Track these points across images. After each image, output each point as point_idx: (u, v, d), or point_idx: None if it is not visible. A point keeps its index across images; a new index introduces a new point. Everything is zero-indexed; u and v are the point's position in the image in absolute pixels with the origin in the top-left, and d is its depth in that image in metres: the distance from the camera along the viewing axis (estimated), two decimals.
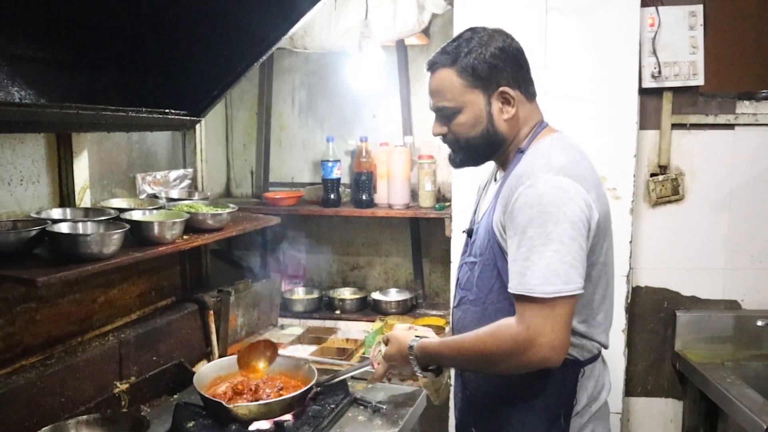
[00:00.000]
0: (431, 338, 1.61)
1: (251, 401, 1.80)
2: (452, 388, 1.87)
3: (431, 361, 1.58)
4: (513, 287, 1.38)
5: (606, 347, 1.57)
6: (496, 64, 1.47)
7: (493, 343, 1.39)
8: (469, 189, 2.57)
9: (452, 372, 1.83)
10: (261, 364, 1.98)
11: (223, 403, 1.72)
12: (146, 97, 1.87)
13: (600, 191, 1.46)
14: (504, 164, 1.58)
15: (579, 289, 1.35)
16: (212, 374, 1.96)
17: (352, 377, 1.98)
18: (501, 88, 1.48)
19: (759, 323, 2.53)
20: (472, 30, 1.52)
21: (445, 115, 1.53)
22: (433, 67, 1.53)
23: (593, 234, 1.41)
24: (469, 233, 1.64)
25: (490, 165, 1.68)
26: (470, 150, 1.55)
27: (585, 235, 1.38)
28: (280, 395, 1.82)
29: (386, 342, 1.70)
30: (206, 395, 1.77)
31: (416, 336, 1.62)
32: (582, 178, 1.40)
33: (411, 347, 1.59)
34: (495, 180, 1.63)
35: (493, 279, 1.49)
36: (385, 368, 1.70)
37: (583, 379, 1.50)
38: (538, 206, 1.35)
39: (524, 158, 1.48)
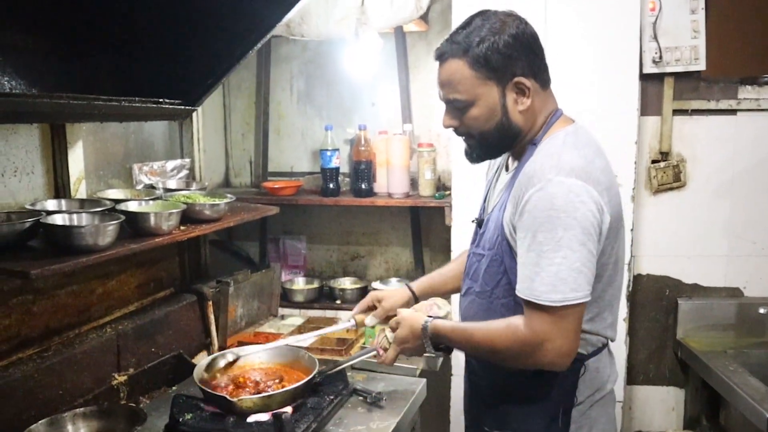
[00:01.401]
0: (442, 321, 1.60)
1: (253, 394, 1.78)
2: (453, 378, 1.87)
3: (441, 342, 1.58)
4: (521, 291, 1.36)
5: (613, 340, 1.56)
6: (510, 54, 1.39)
7: (501, 342, 1.39)
8: (470, 178, 2.56)
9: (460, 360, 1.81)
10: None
11: (227, 396, 1.70)
12: (140, 87, 1.85)
13: (613, 192, 1.42)
14: (517, 155, 1.53)
15: (586, 297, 1.33)
16: (213, 366, 1.95)
17: (353, 367, 1.96)
18: (516, 79, 1.41)
19: (761, 311, 2.52)
20: (483, 16, 1.43)
21: (456, 108, 1.46)
22: (442, 57, 1.45)
23: (604, 237, 1.38)
24: (479, 223, 1.61)
25: None
26: (485, 144, 1.49)
27: (596, 240, 1.34)
28: (282, 387, 1.81)
29: (395, 326, 1.68)
30: (208, 390, 1.76)
31: (429, 316, 1.61)
32: (595, 181, 1.35)
33: (425, 327, 1.56)
34: (506, 170, 1.58)
35: (500, 275, 1.47)
36: (396, 351, 1.67)
37: (588, 372, 1.49)
38: (549, 210, 1.31)
39: (535, 155, 1.42)
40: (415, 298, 1.90)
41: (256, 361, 1.99)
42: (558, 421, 1.48)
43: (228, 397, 1.70)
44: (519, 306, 1.40)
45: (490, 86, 1.41)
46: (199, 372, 1.85)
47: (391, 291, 1.94)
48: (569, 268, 1.30)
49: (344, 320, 2.74)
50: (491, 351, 1.43)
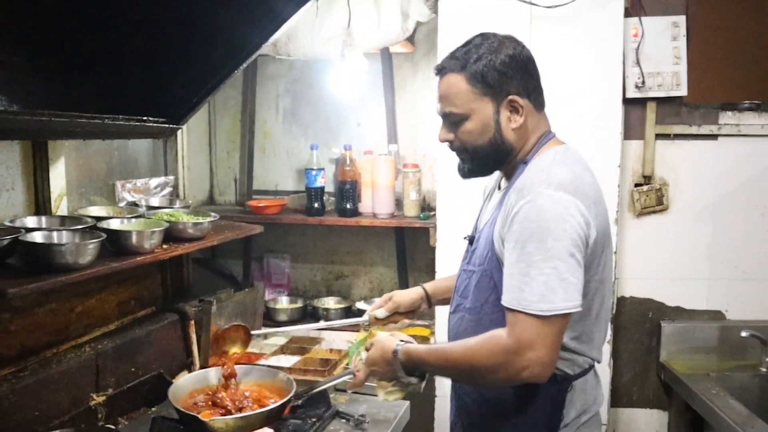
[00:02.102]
0: (416, 345, 1.58)
1: (228, 414, 1.76)
2: (437, 399, 1.85)
3: (415, 367, 1.55)
4: (507, 301, 1.36)
5: (599, 362, 1.56)
6: (505, 72, 1.45)
7: (482, 354, 1.37)
8: (455, 198, 2.57)
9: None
10: (235, 348, 1.92)
11: (199, 416, 1.68)
12: (124, 104, 1.84)
13: (600, 208, 1.45)
14: (509, 174, 1.56)
15: (576, 307, 1.34)
16: (189, 386, 1.92)
17: (336, 389, 1.94)
18: (510, 97, 1.46)
19: (743, 334, 2.53)
20: (483, 36, 1.50)
21: (452, 122, 1.51)
22: (442, 71, 1.51)
23: (590, 251, 1.40)
24: (471, 240, 1.62)
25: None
26: (478, 159, 1.53)
27: (583, 252, 1.37)
28: (258, 407, 1.79)
29: (368, 348, 1.67)
30: (181, 408, 1.73)
31: (401, 341, 1.58)
32: (583, 195, 1.38)
33: (395, 351, 1.55)
34: (499, 188, 1.61)
35: (489, 290, 1.48)
36: (366, 373, 1.65)
37: (573, 393, 1.49)
38: (538, 221, 1.34)
39: (526, 171, 1.46)
40: (428, 297, 1.91)
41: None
42: None
43: (200, 417, 1.67)
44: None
45: (485, 102, 1.46)
46: (175, 390, 1.82)
47: (404, 289, 1.96)
48: (558, 278, 1.32)
49: (329, 340, 2.76)
50: (470, 367, 1.41)
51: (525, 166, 1.48)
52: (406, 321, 1.67)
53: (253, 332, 1.92)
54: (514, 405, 1.49)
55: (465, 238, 1.67)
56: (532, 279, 1.32)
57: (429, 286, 1.94)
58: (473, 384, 1.54)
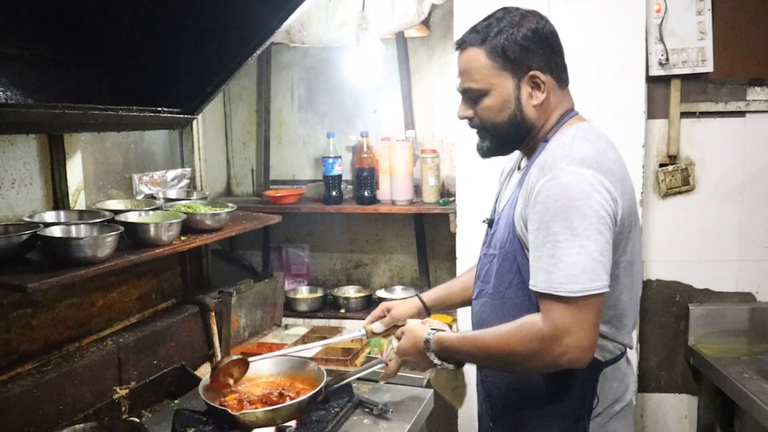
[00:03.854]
0: (449, 332, 1.54)
1: (259, 407, 1.74)
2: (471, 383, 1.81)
3: (448, 356, 1.51)
4: (538, 285, 1.31)
5: (630, 347, 1.51)
6: (527, 46, 1.39)
7: (517, 341, 1.32)
8: (474, 184, 2.53)
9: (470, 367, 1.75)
10: (230, 381, 1.89)
11: (229, 411, 1.67)
12: (138, 96, 1.82)
13: (626, 185, 1.39)
14: (529, 152, 1.50)
15: (605, 287, 1.29)
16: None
17: (359, 378, 1.92)
18: (531, 72, 1.41)
19: None
20: (505, 9, 1.45)
21: (471, 98, 1.46)
22: (461, 45, 1.45)
23: (618, 230, 1.34)
24: (490, 223, 1.57)
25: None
26: (497, 136, 1.47)
27: (611, 230, 1.31)
28: (288, 399, 1.77)
29: (400, 337, 1.63)
30: (212, 403, 1.72)
31: (432, 329, 1.54)
32: (608, 171, 1.33)
33: (428, 341, 1.51)
34: (519, 168, 1.55)
35: (512, 273, 1.43)
36: (398, 364, 1.62)
37: (606, 380, 1.45)
38: (563, 199, 1.28)
39: (547, 148, 1.40)
40: (426, 309, 1.86)
41: (264, 373, 1.95)
42: (574, 429, 1.44)
43: (230, 411, 1.66)
44: (533, 305, 1.36)
45: (505, 77, 1.41)
46: (204, 384, 1.82)
47: (401, 301, 1.90)
48: (588, 257, 1.26)
49: (350, 330, 2.74)
50: (506, 354, 1.36)
51: (546, 144, 1.43)
52: (438, 322, 1.63)
53: (250, 359, 1.91)
54: (542, 393, 1.45)
55: (484, 221, 1.62)
56: (559, 260, 1.27)
57: (426, 296, 1.88)
58: (510, 371, 1.49)
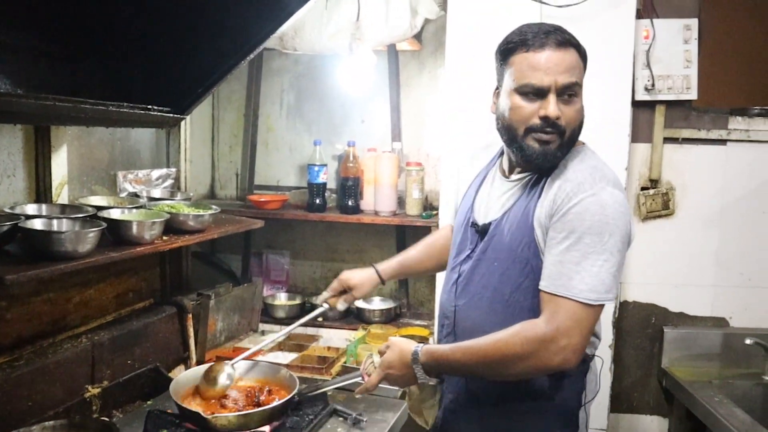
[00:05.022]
0: (436, 344, 1.57)
1: (230, 412, 1.73)
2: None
3: (437, 367, 1.52)
4: (553, 287, 1.38)
5: (600, 340, 1.62)
6: (585, 60, 1.50)
7: (516, 343, 1.38)
8: (458, 198, 2.54)
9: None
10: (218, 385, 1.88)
11: (202, 413, 1.65)
12: (129, 92, 1.82)
13: None
14: (527, 165, 1.52)
15: (613, 298, 1.43)
16: (190, 382, 1.89)
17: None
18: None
19: (747, 341, 2.51)
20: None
21: (569, 95, 1.45)
22: (567, 43, 1.45)
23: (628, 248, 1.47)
24: (485, 229, 1.56)
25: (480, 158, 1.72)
26: (567, 142, 1.47)
27: (627, 249, 1.44)
28: (261, 405, 1.76)
29: (383, 351, 1.63)
30: (183, 405, 1.70)
31: (420, 343, 1.56)
32: (625, 194, 1.47)
33: (416, 353, 1.52)
34: (506, 176, 1.57)
35: (523, 277, 1.48)
36: (379, 377, 1.62)
37: (590, 373, 1.57)
38: (600, 216, 1.37)
39: (572, 165, 1.46)
40: (381, 279, 1.94)
41: (236, 377, 1.94)
42: (570, 422, 1.54)
43: (202, 413, 1.64)
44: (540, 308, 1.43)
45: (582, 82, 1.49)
46: (176, 386, 1.80)
47: (359, 277, 1.94)
48: (608, 271, 1.37)
49: (327, 338, 2.73)
50: (501, 357, 1.40)
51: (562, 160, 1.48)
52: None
53: (231, 362, 1.91)
54: (541, 391, 1.52)
55: (472, 225, 1.62)
56: (584, 269, 1.36)
57: (381, 267, 1.95)
58: (499, 377, 1.51)
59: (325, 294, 1.97)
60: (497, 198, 1.56)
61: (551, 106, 1.43)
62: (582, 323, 1.36)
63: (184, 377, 1.90)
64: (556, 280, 1.38)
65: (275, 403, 1.72)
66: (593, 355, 1.57)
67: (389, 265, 1.95)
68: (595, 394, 1.58)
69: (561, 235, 1.39)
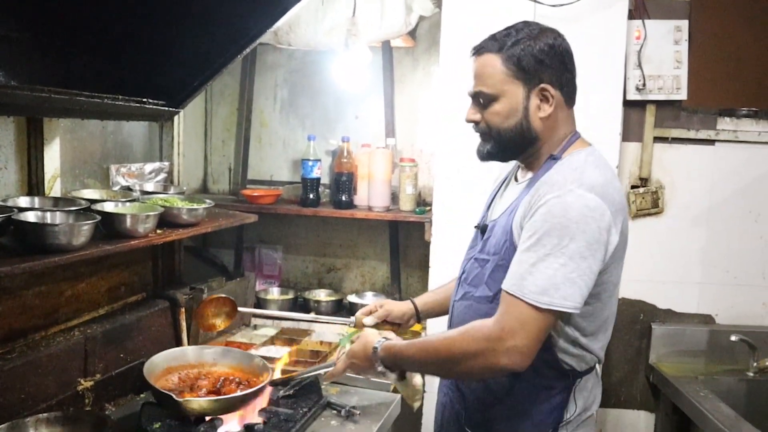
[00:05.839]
0: (398, 341, 1.58)
1: (204, 396, 1.76)
2: (426, 395, 1.84)
3: (394, 362, 1.55)
4: (508, 286, 1.37)
5: (601, 362, 1.58)
6: (542, 60, 1.44)
7: (463, 341, 1.39)
8: (451, 194, 2.56)
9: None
10: (219, 321, 1.92)
11: (174, 396, 1.67)
12: (123, 85, 1.81)
13: (624, 214, 1.45)
14: (531, 166, 1.55)
15: (575, 308, 1.35)
16: (163, 364, 1.91)
17: (333, 382, 1.93)
18: (542, 85, 1.46)
19: (732, 338, 2.54)
20: (526, 22, 1.51)
21: (481, 102, 1.50)
22: (479, 51, 1.50)
23: (608, 258, 1.40)
24: (483, 229, 1.60)
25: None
26: (500, 142, 1.51)
27: (600, 258, 1.37)
28: (235, 391, 1.79)
29: (354, 341, 1.67)
30: (156, 387, 1.72)
31: (384, 338, 1.58)
32: (611, 200, 1.38)
33: (375, 348, 1.55)
34: (516, 180, 1.60)
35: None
36: (344, 365, 1.65)
37: (578, 390, 1.51)
38: (560, 218, 1.34)
39: (557, 167, 1.46)
40: (417, 314, 1.90)
41: (207, 361, 1.97)
42: None
43: (174, 396, 1.66)
44: None
45: (516, 85, 1.46)
46: (150, 367, 1.81)
47: (399, 310, 1.91)
48: (564, 276, 1.32)
49: (320, 333, 2.74)
50: (449, 354, 1.41)
51: (555, 162, 1.48)
52: (392, 334, 1.66)
53: (240, 309, 1.93)
54: (521, 399, 1.50)
55: (476, 226, 1.66)
56: (538, 271, 1.33)
57: (419, 301, 1.92)
58: (449, 375, 1.54)
59: (358, 312, 1.96)
60: (507, 200, 1.58)
61: (467, 112, 1.54)
62: (528, 326, 1.32)
63: (158, 358, 1.92)
64: (512, 279, 1.36)
65: (248, 390, 1.74)
66: (583, 371, 1.51)
67: (425, 297, 1.95)
68: (581, 411, 1.52)
69: (526, 235, 1.38)
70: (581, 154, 1.48)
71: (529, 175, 1.54)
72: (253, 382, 1.84)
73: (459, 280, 1.64)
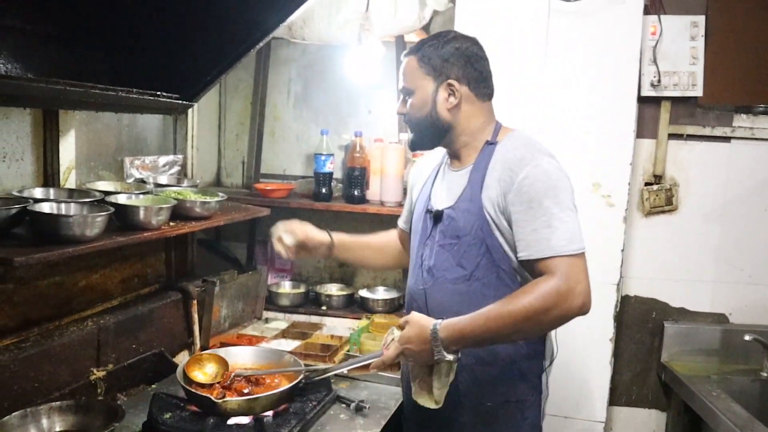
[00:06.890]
0: (455, 318, 1.54)
1: (237, 396, 1.75)
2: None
3: (457, 341, 1.52)
4: (537, 251, 1.52)
5: None
6: (447, 59, 1.67)
7: (536, 299, 1.47)
8: None
9: None
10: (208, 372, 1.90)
11: (212, 397, 1.67)
12: (138, 78, 1.83)
13: None
14: (461, 154, 1.73)
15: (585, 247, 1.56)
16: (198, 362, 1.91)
17: (336, 375, 1.93)
18: (449, 80, 1.67)
19: (746, 338, 2.52)
20: (446, 31, 1.76)
21: (405, 96, 1.74)
22: (406, 54, 1.75)
23: None
24: (437, 217, 1.72)
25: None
26: (417, 131, 1.75)
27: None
28: (268, 389, 1.78)
29: (402, 326, 1.60)
30: (190, 389, 1.73)
31: (440, 318, 1.56)
32: None
33: (435, 327, 1.52)
34: (451, 168, 1.76)
35: (480, 256, 1.64)
36: (397, 351, 1.59)
37: (547, 341, 1.73)
38: (548, 181, 1.56)
39: (506, 147, 1.65)
40: (331, 247, 2.01)
41: (241, 362, 1.96)
42: (537, 386, 1.70)
43: (212, 398, 1.67)
44: (501, 282, 1.61)
45: (427, 81, 1.68)
46: (182, 370, 1.82)
47: (316, 228, 2.02)
48: (574, 223, 1.55)
49: (330, 327, 2.75)
50: (525, 314, 1.47)
51: (493, 147, 1.67)
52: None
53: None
54: (510, 357, 1.68)
55: (428, 212, 1.76)
56: (557, 228, 1.52)
57: (336, 236, 2.03)
58: (523, 335, 1.61)
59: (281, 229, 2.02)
60: (447, 188, 1.74)
61: (397, 105, 1.79)
62: (583, 269, 1.50)
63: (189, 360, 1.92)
64: (537, 246, 1.52)
65: (281, 388, 1.74)
66: None
67: (341, 238, 2.04)
68: (552, 359, 1.74)
69: (522, 207, 1.55)
70: (515, 134, 1.71)
71: (469, 161, 1.70)
72: (285, 381, 1.82)
73: (420, 269, 1.75)
